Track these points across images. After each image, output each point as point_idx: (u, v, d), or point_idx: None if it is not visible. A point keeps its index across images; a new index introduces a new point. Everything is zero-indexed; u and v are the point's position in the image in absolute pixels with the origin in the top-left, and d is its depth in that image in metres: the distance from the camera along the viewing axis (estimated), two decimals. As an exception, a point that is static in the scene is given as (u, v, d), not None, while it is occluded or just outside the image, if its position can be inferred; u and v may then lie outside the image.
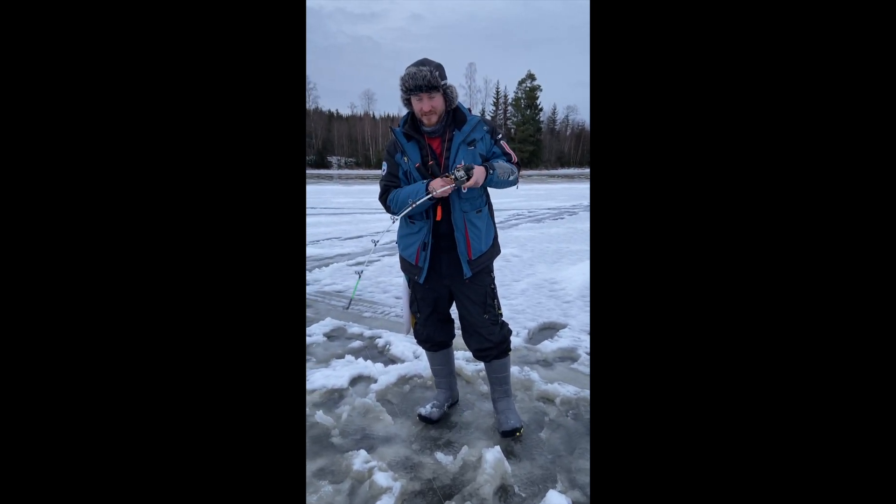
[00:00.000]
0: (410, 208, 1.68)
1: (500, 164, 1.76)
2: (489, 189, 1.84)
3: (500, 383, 1.98)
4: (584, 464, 1.73)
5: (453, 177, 1.63)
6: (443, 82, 1.68)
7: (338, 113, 67.03)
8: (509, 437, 1.89)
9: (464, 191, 1.66)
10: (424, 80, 1.62)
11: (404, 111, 1.80)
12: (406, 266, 1.90)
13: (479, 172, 1.66)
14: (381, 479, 1.61)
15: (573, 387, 2.27)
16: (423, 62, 1.67)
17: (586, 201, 14.72)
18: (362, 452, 1.76)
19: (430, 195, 1.65)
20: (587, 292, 3.94)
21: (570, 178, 39.46)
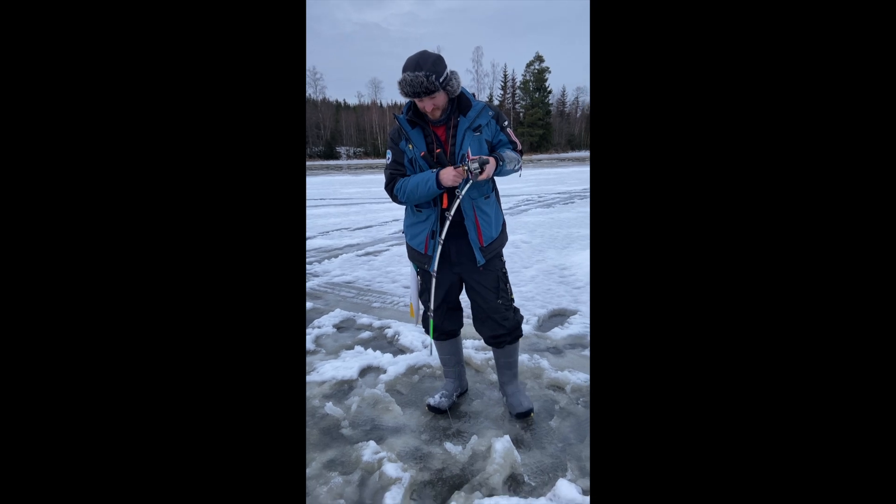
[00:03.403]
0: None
1: (508, 155, 1.74)
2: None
3: (509, 367, 1.98)
4: (595, 452, 1.72)
5: (465, 167, 1.62)
6: (441, 80, 1.61)
7: (345, 103, 66.96)
8: (524, 420, 1.89)
9: (474, 179, 1.64)
10: (421, 87, 1.58)
11: None
12: (414, 255, 1.88)
13: (490, 166, 1.65)
14: (391, 469, 1.61)
15: (584, 374, 2.24)
16: (419, 63, 1.59)
17: (597, 184, 14.50)
18: (371, 443, 1.76)
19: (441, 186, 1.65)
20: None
21: (581, 161, 38.95)
